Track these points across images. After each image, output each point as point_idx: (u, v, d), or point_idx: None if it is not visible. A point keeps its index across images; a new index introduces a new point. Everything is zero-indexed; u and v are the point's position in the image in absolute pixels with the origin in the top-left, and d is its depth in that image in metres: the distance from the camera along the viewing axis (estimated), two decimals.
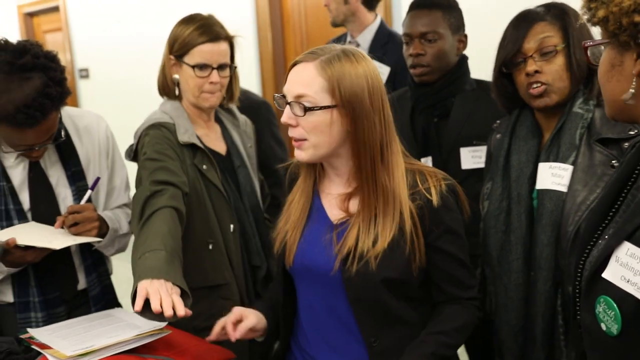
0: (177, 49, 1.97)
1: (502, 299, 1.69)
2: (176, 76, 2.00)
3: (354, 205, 1.54)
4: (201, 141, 1.99)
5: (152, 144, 1.90)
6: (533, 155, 1.68)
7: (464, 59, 2.26)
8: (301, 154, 1.49)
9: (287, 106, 1.46)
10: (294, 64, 1.50)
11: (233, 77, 2.08)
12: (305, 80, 1.45)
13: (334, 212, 1.56)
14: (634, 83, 1.05)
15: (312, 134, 1.46)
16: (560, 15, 1.63)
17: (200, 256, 1.90)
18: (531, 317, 1.65)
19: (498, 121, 1.86)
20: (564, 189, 1.59)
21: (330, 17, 3.04)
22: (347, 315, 1.53)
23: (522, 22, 1.65)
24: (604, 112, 1.51)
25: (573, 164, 1.59)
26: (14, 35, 5.94)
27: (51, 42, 7.54)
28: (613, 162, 1.53)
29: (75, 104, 6.61)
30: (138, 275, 1.53)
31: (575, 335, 1.25)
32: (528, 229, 1.67)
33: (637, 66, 1.03)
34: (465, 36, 2.29)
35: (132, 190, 1.97)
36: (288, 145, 2.58)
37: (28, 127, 1.71)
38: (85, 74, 7.12)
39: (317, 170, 1.60)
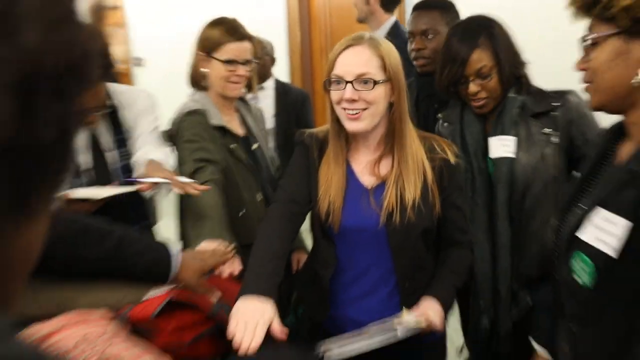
0: (208, 46, 2.05)
1: (474, 245, 1.78)
2: (205, 70, 2.07)
3: (383, 168, 1.61)
4: (226, 125, 2.08)
5: (189, 128, 1.99)
6: (481, 133, 1.80)
7: None
8: (359, 125, 1.55)
9: (349, 85, 1.51)
10: (343, 50, 1.55)
11: (253, 72, 2.15)
12: (363, 60, 1.52)
13: (366, 178, 1.62)
14: None
15: (372, 105, 1.53)
16: (491, 37, 1.74)
17: (233, 221, 1.93)
18: (495, 258, 1.78)
19: (440, 115, 1.99)
20: (513, 155, 1.72)
21: (357, 14, 3.14)
22: (386, 264, 1.60)
23: (463, 48, 1.74)
24: (532, 96, 1.74)
25: (515, 135, 1.73)
26: None
27: (112, 35, 7.86)
28: (544, 130, 1.70)
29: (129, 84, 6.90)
30: (195, 237, 1.72)
31: (555, 288, 1.30)
32: (489, 190, 1.79)
33: None
34: None
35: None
36: None
37: None
38: (139, 62, 7.44)
39: (345, 141, 1.64)
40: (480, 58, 1.72)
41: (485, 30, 1.75)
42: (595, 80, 1.15)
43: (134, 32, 7.50)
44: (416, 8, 2.38)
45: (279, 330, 1.37)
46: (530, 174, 1.71)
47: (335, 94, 1.56)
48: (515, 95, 1.78)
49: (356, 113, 1.53)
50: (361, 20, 3.14)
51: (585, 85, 1.19)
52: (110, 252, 1.34)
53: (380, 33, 2.92)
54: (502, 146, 1.76)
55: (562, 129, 1.71)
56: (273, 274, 1.50)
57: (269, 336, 1.36)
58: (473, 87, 1.73)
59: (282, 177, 1.77)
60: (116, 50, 7.92)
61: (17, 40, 0.31)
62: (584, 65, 1.17)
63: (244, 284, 1.47)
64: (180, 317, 1.42)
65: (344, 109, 1.54)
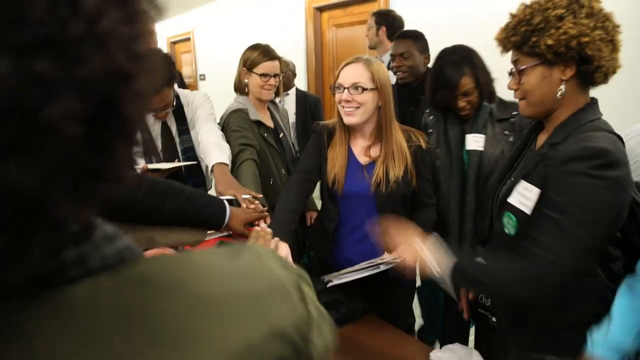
0: (249, 64, 2.03)
1: (449, 211, 1.74)
2: (246, 80, 2.05)
3: (374, 152, 1.59)
4: (261, 120, 2.05)
5: (235, 121, 1.97)
6: (460, 132, 1.73)
7: (428, 70, 2.25)
8: (352, 119, 1.54)
9: (346, 90, 1.51)
10: (344, 66, 1.54)
11: (280, 82, 2.12)
12: (357, 73, 1.51)
13: (362, 158, 1.61)
14: (562, 85, 1.06)
15: (362, 105, 1.52)
16: (472, 66, 1.65)
17: (265, 187, 1.92)
18: (463, 222, 1.72)
19: (428, 110, 1.87)
20: (482, 149, 1.67)
21: (368, 42, 3.06)
22: (374, 220, 1.56)
23: (452, 76, 1.64)
24: (497, 105, 1.67)
25: (485, 134, 1.68)
26: None
27: (185, 59, 7.90)
28: (505, 131, 1.65)
29: None
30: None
31: (492, 237, 1.29)
32: (462, 173, 1.72)
33: (567, 73, 1.05)
34: (429, 55, 2.36)
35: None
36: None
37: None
38: (203, 77, 7.44)
39: (347, 131, 1.63)
40: (466, 83, 1.64)
41: (468, 60, 1.66)
42: (528, 97, 1.13)
43: (199, 55, 7.50)
44: (396, 38, 2.45)
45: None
46: (493, 164, 1.65)
47: (337, 96, 1.56)
48: (487, 104, 1.71)
49: (351, 110, 1.53)
50: (372, 47, 3.05)
51: (520, 100, 1.16)
52: (183, 204, 1.32)
53: (386, 57, 2.86)
54: (475, 142, 1.69)
55: (517, 131, 1.65)
56: (289, 222, 1.53)
57: None
58: (461, 104, 1.68)
59: (301, 155, 1.75)
60: (187, 69, 7.93)
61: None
62: (516, 86, 1.14)
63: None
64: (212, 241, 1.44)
65: (342, 107, 1.55)
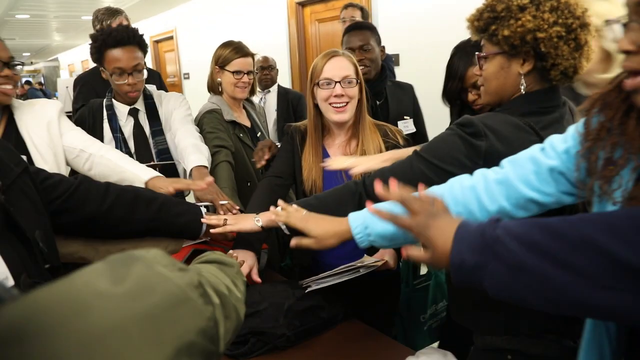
0: (221, 61, 1.98)
1: None
2: (219, 79, 2.01)
3: (349, 150, 1.55)
4: (236, 119, 2.00)
5: (209, 123, 1.92)
6: None
7: (385, 63, 2.21)
8: (344, 115, 1.49)
9: (337, 84, 1.45)
10: (327, 60, 1.48)
11: (254, 79, 2.08)
12: (345, 67, 1.48)
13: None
14: (522, 79, 1.03)
15: (352, 99, 1.48)
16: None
17: (242, 190, 1.89)
18: None
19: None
20: None
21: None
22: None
23: (460, 66, 1.61)
24: None
25: None
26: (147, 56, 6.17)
27: (168, 58, 7.83)
28: None
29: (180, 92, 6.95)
30: None
31: None
32: None
33: (525, 68, 1.03)
34: (384, 47, 2.24)
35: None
36: None
37: (123, 45, 1.71)
38: (187, 76, 7.37)
39: (321, 131, 1.56)
40: (474, 74, 1.58)
41: (478, 50, 1.62)
42: (485, 85, 1.11)
43: (182, 54, 7.40)
44: (350, 29, 2.15)
45: (254, 275, 1.35)
46: None
47: (324, 92, 1.48)
48: None
49: (342, 106, 1.47)
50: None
51: (480, 87, 1.15)
52: (154, 214, 1.25)
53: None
54: None
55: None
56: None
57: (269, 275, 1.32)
58: (470, 97, 1.63)
59: (274, 159, 1.66)
60: (171, 68, 7.82)
61: None
62: (479, 72, 1.13)
63: (236, 240, 1.44)
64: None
65: (331, 104, 1.47)
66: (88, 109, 1.87)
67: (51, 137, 1.53)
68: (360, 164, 1.30)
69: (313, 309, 1.45)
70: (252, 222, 1.27)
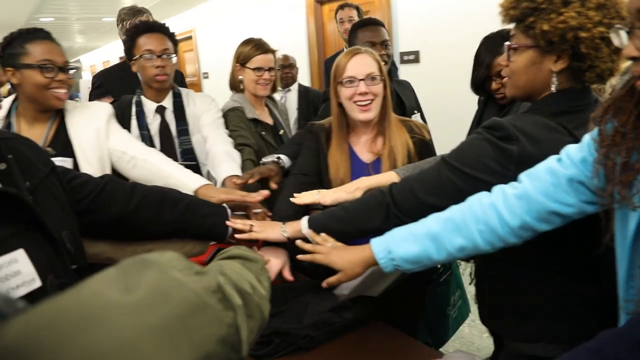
0: (242, 59, 1.98)
1: None
2: (240, 77, 2.00)
3: (376, 147, 1.52)
4: (258, 117, 1.99)
5: (231, 121, 1.91)
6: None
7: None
8: (370, 114, 1.45)
9: (361, 82, 1.42)
10: (350, 58, 1.45)
11: (276, 76, 2.05)
12: (368, 63, 1.44)
13: (364, 155, 1.53)
14: (554, 78, 0.98)
15: (377, 97, 1.45)
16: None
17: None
18: None
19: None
20: None
21: (346, 37, 2.79)
22: None
23: (487, 55, 1.62)
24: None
25: None
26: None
27: (187, 57, 7.86)
28: None
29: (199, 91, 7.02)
30: None
31: None
32: None
33: (558, 66, 0.97)
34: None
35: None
36: None
37: (153, 31, 1.80)
38: (206, 76, 7.42)
39: (347, 129, 1.54)
40: (499, 63, 1.56)
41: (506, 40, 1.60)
42: (512, 78, 1.06)
43: (202, 54, 7.46)
44: (371, 23, 2.05)
45: (287, 273, 1.31)
46: None
47: (348, 91, 1.45)
48: None
49: (367, 104, 1.44)
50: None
51: (505, 78, 1.10)
52: (180, 215, 1.23)
53: None
54: None
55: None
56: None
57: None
58: (494, 85, 1.63)
59: (298, 158, 1.62)
60: (190, 68, 7.89)
61: None
62: (506, 62, 1.07)
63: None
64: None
65: (356, 102, 1.44)
66: (118, 104, 1.87)
67: (99, 141, 1.53)
68: (327, 197, 1.29)
69: (337, 310, 1.42)
70: (278, 231, 1.25)
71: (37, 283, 0.67)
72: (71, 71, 1.51)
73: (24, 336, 0.26)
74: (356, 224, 1.11)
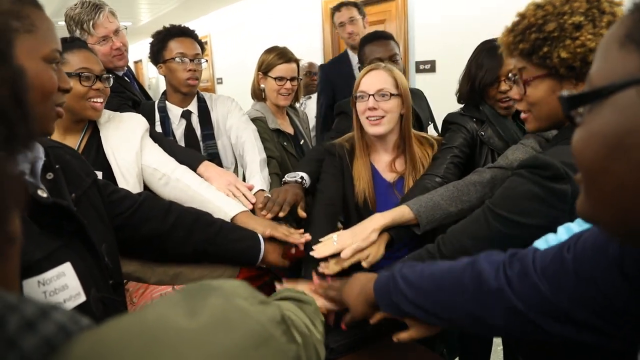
0: (264, 67, 1.96)
1: None
2: (262, 86, 1.98)
3: (399, 166, 1.51)
4: (280, 127, 1.98)
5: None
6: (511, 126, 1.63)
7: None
8: (379, 129, 1.44)
9: (370, 97, 1.42)
10: (365, 74, 1.46)
11: (299, 86, 2.04)
12: (381, 79, 1.44)
13: (387, 175, 1.52)
14: None
15: (388, 114, 1.44)
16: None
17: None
18: None
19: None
20: None
21: (351, 41, 2.79)
22: None
23: (491, 59, 1.55)
24: None
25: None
26: None
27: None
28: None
29: None
30: None
31: None
32: None
33: (579, 87, 0.93)
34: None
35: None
36: None
37: (186, 35, 1.80)
38: (220, 81, 7.48)
39: (367, 146, 1.53)
40: (510, 62, 1.53)
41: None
42: (533, 111, 1.01)
43: (216, 59, 7.50)
44: (378, 37, 1.99)
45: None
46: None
47: (360, 106, 1.46)
48: None
49: (377, 119, 1.44)
50: (356, 47, 2.72)
51: (524, 113, 1.04)
52: (212, 236, 1.20)
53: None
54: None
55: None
56: None
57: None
58: (503, 86, 1.55)
59: (320, 182, 1.56)
60: (204, 73, 7.94)
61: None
62: (519, 97, 1.02)
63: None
64: (244, 272, 1.33)
65: (367, 117, 1.45)
66: (141, 111, 1.84)
67: (136, 158, 1.46)
68: (347, 250, 1.25)
69: (357, 321, 1.43)
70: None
71: (82, 297, 0.67)
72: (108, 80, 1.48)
73: (90, 356, 0.26)
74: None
